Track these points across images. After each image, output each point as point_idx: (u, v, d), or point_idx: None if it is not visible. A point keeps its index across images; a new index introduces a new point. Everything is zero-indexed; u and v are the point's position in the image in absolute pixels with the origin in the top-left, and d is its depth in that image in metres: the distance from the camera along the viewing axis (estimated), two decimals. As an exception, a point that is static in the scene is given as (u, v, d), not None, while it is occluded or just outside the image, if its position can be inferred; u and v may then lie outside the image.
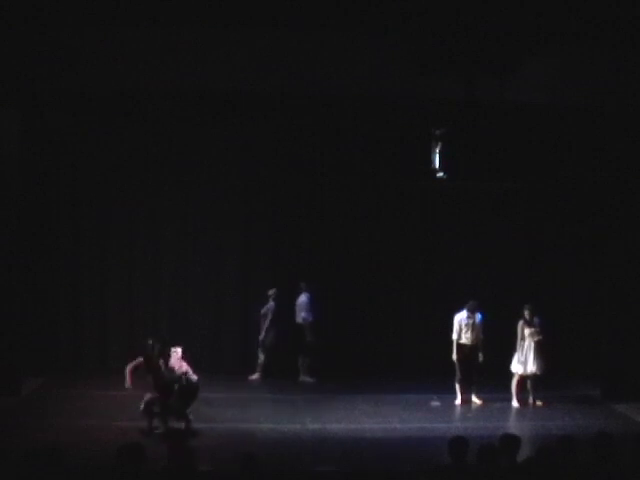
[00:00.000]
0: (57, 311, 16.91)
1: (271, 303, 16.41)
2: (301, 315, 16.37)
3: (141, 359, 12.75)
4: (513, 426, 13.83)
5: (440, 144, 11.01)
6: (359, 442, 12.54)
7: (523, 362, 14.60)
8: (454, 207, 17.09)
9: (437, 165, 11.15)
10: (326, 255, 17.17)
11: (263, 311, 16.43)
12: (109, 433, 12.07)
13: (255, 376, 16.50)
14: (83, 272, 16.99)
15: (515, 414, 14.54)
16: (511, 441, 7.64)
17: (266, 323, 16.36)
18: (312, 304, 16.43)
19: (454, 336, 14.94)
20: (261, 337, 16.39)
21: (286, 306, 16.44)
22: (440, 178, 11.19)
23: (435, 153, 11.12)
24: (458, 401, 14.91)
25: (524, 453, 7.81)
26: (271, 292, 16.43)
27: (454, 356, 14.92)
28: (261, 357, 16.47)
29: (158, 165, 16.97)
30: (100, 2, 9.88)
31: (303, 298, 16.42)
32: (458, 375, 14.95)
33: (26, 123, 14.92)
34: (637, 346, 15.05)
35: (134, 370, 12.75)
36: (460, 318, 14.93)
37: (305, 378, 16.37)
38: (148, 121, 16.43)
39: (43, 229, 16.67)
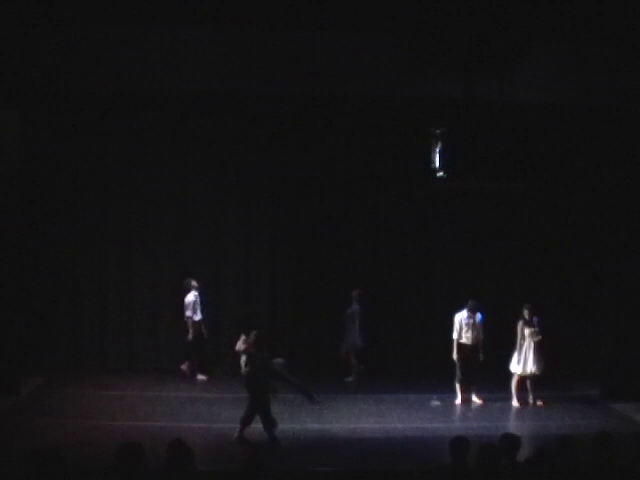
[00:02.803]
0: (57, 311, 16.88)
1: (355, 304, 16.08)
2: (186, 313, 16.14)
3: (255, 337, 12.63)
4: (513, 426, 13.83)
5: (440, 144, 11.01)
6: (359, 442, 12.54)
7: (522, 362, 14.60)
8: (454, 207, 17.07)
9: (437, 165, 11.15)
10: (326, 255, 17.14)
11: (348, 312, 16.10)
12: (109, 433, 12.05)
13: (350, 378, 16.19)
14: (83, 272, 16.96)
15: (515, 414, 14.53)
16: (511, 441, 7.65)
17: (355, 324, 16.04)
18: (200, 302, 16.22)
19: (454, 335, 14.95)
20: (349, 339, 16.09)
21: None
22: (440, 178, 11.19)
23: (435, 153, 11.12)
24: (458, 401, 14.92)
25: (524, 453, 7.81)
26: (355, 293, 16.10)
27: (454, 355, 14.93)
28: (354, 360, 16.15)
29: (158, 165, 16.95)
30: (100, 2, 9.89)
31: (191, 297, 16.16)
32: (458, 375, 14.95)
33: (26, 123, 14.91)
34: (637, 346, 15.04)
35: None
36: (461, 318, 14.94)
37: (200, 376, 16.15)
38: (148, 121, 16.44)
39: (43, 229, 16.64)
